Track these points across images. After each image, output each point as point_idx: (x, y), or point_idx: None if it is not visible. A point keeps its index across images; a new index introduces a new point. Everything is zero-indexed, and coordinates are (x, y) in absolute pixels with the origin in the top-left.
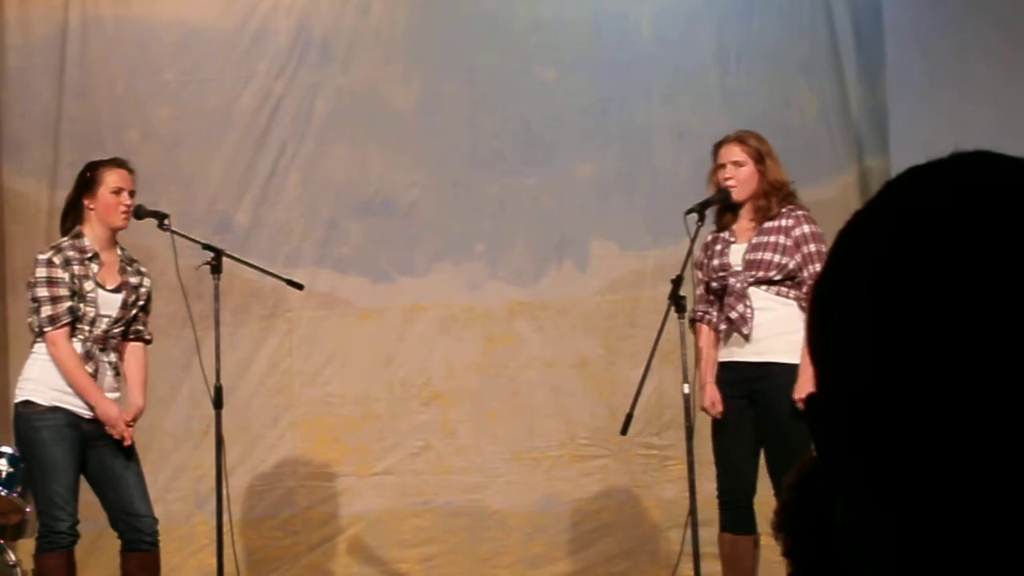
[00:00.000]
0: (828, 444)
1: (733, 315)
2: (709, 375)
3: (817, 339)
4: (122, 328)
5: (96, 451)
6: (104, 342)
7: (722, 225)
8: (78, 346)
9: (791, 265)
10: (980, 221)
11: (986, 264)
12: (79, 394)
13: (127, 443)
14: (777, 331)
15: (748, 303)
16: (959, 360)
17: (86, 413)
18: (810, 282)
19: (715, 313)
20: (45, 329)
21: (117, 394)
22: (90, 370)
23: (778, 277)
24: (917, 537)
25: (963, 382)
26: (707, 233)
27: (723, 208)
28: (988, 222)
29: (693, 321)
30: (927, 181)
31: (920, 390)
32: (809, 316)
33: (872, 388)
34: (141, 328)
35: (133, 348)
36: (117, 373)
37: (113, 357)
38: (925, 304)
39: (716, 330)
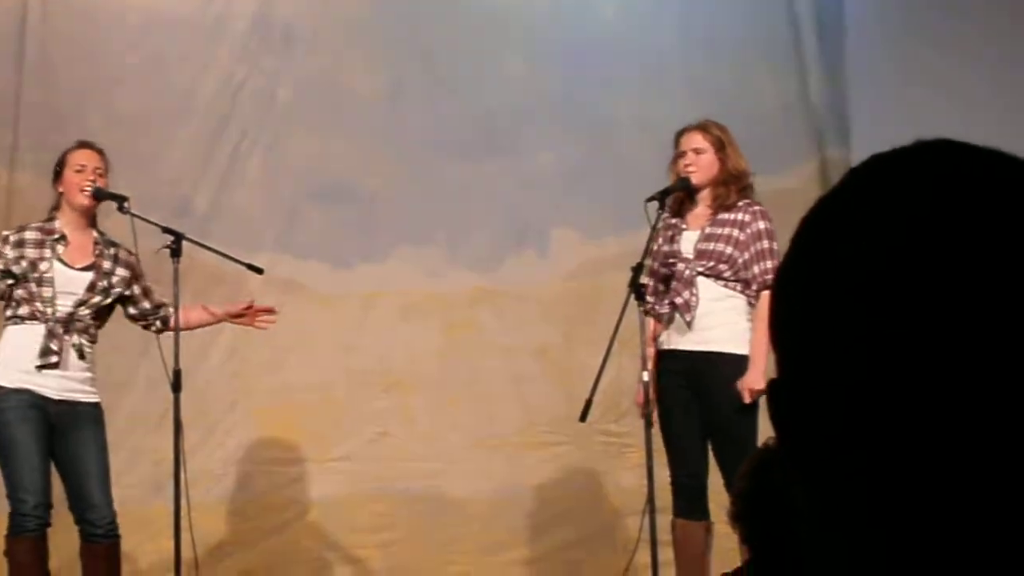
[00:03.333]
0: (790, 430)
1: (678, 300)
2: (643, 369)
3: (780, 325)
4: (91, 313)
5: (63, 435)
6: (68, 324)
7: (676, 212)
8: (39, 327)
9: (740, 260)
10: (943, 208)
11: (949, 250)
12: None
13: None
14: (722, 321)
15: (695, 291)
16: (924, 345)
17: (54, 395)
18: (760, 279)
19: (658, 303)
20: None
21: (87, 375)
22: (55, 347)
23: (727, 271)
24: (879, 522)
25: (928, 367)
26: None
27: (683, 196)
28: (951, 209)
29: (647, 312)
30: (891, 168)
31: (886, 376)
32: (772, 302)
33: (836, 374)
34: (166, 310)
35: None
36: (82, 356)
37: (79, 339)
38: (889, 290)
39: (659, 320)
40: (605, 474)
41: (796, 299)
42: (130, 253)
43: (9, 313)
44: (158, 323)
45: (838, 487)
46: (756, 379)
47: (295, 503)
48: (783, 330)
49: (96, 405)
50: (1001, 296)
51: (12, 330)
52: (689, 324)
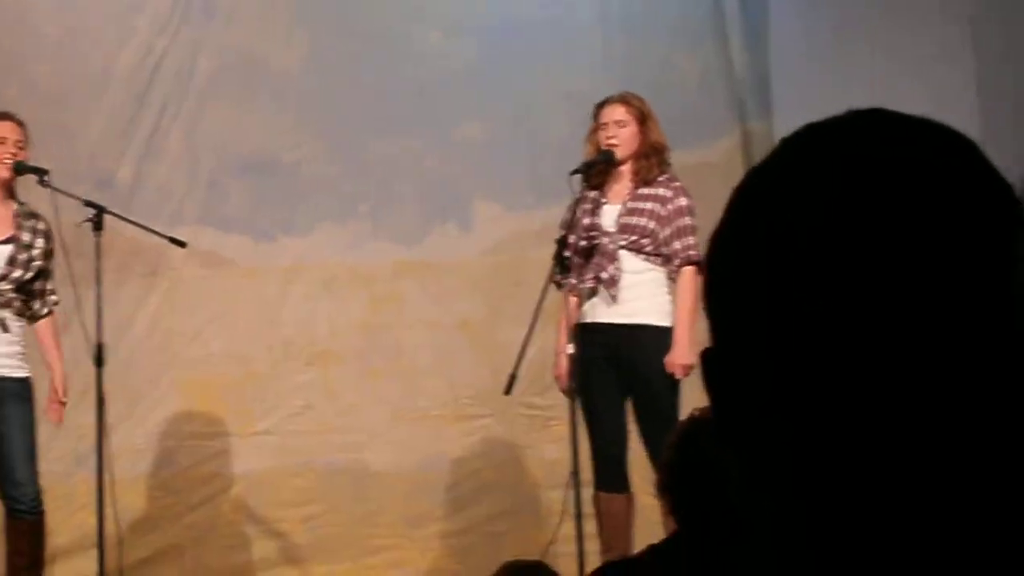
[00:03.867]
0: (722, 399)
1: (604, 275)
2: (564, 343)
3: (713, 295)
4: (13, 287)
5: None
6: None
7: (594, 185)
8: None
9: (662, 236)
10: (870, 181)
11: (880, 220)
12: None
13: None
14: (644, 293)
15: (618, 265)
16: (850, 316)
17: None
18: (682, 255)
19: (579, 276)
20: None
21: (12, 348)
22: None
23: (649, 246)
24: (803, 490)
25: (849, 339)
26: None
27: (603, 168)
28: (878, 182)
29: (559, 285)
30: (819, 140)
31: (809, 347)
32: (705, 272)
33: (764, 345)
34: (45, 300)
35: (42, 325)
36: (6, 329)
37: (2, 314)
38: (819, 260)
39: (578, 294)
40: (528, 447)
41: (726, 270)
42: (49, 227)
43: None
44: (28, 311)
45: (766, 455)
46: (683, 354)
47: (218, 477)
48: (715, 300)
49: (23, 380)
50: (923, 268)
51: None
52: (614, 297)
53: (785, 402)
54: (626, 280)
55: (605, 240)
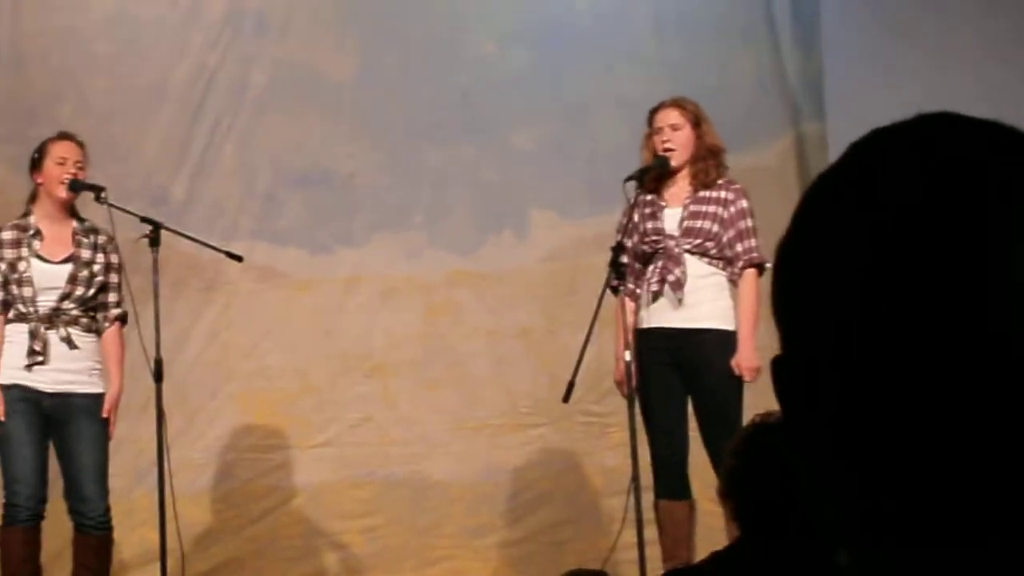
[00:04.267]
0: (793, 405)
1: (671, 278)
2: (623, 348)
3: (782, 301)
4: (77, 305)
5: (59, 429)
6: (52, 319)
7: (652, 189)
8: (23, 327)
9: (725, 239)
10: (942, 186)
11: (955, 226)
12: None
13: (111, 427)
14: (709, 298)
15: (684, 268)
16: (922, 322)
17: (48, 388)
18: (745, 257)
19: (637, 281)
20: None
21: (83, 364)
22: (37, 348)
23: (713, 249)
24: (875, 498)
25: (926, 344)
26: (638, 194)
27: (659, 174)
28: (950, 187)
29: (615, 290)
30: (892, 142)
31: (881, 354)
32: (774, 278)
33: (835, 350)
34: (108, 314)
35: (107, 335)
36: (72, 346)
37: (67, 331)
38: (891, 266)
39: (635, 299)
40: (587, 455)
41: (797, 275)
42: (111, 239)
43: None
44: (95, 325)
45: (836, 460)
46: (750, 356)
47: (278, 490)
48: (785, 306)
49: (95, 396)
50: (999, 275)
51: (7, 329)
52: (680, 301)
53: (856, 407)
54: (689, 284)
55: (671, 243)
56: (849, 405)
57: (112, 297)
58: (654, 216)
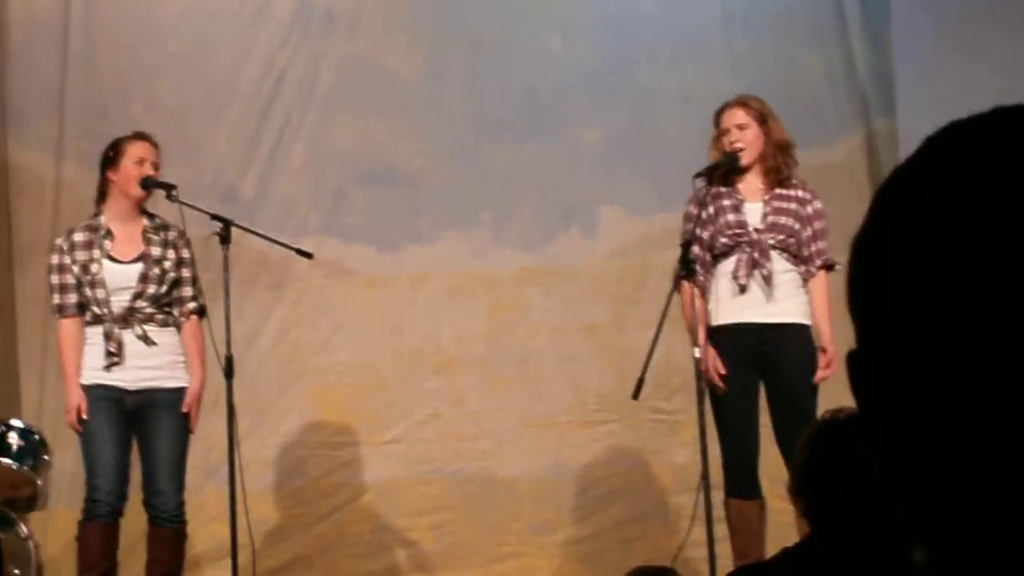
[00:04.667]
0: (869, 400)
1: (763, 271)
2: (704, 338)
3: (859, 296)
4: (150, 303)
5: (140, 423)
6: (128, 319)
7: (723, 184)
8: (99, 329)
9: (804, 236)
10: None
11: None
12: (61, 376)
13: (192, 422)
14: (790, 293)
15: (771, 263)
16: (1000, 318)
17: (130, 386)
18: (822, 257)
19: (708, 275)
20: (55, 316)
21: (165, 359)
22: (112, 349)
23: (794, 246)
24: (957, 495)
25: (1003, 340)
26: (701, 189)
27: (727, 171)
28: None
29: (684, 278)
30: (971, 136)
31: (961, 346)
32: (849, 273)
33: (915, 345)
34: (183, 308)
35: (186, 329)
36: (149, 343)
37: (142, 329)
38: (971, 260)
39: (704, 294)
40: (656, 452)
41: (873, 270)
42: (181, 234)
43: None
44: (172, 320)
45: (913, 455)
46: (835, 352)
47: (347, 486)
48: (861, 300)
49: (177, 391)
50: None
51: (88, 331)
52: (769, 295)
53: (931, 402)
54: (775, 280)
55: (757, 237)
56: (924, 400)
57: (187, 291)
58: (736, 209)
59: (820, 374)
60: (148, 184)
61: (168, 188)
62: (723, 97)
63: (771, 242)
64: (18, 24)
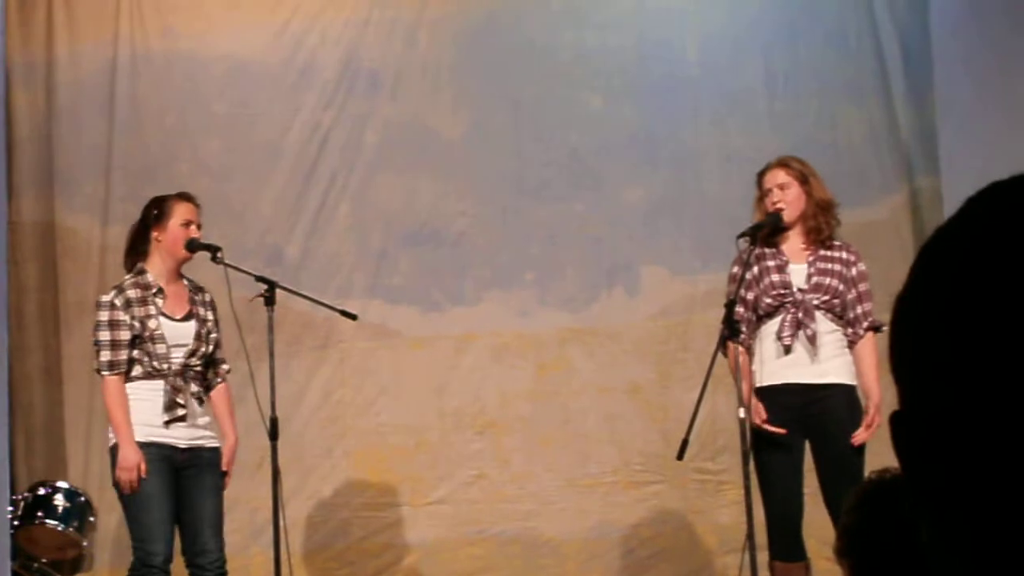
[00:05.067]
0: (914, 461)
1: (808, 332)
2: (748, 394)
3: (901, 357)
4: (201, 362)
5: (184, 478)
6: (183, 376)
7: (767, 245)
8: (158, 383)
9: (848, 298)
10: None
11: None
12: (116, 433)
13: (227, 479)
14: (835, 353)
15: (817, 323)
16: None
17: (183, 444)
18: (866, 320)
19: (752, 336)
20: (103, 373)
21: (207, 419)
22: (181, 401)
23: (839, 307)
24: (1006, 559)
25: None
26: (745, 250)
27: (771, 231)
28: None
29: (729, 339)
30: (1011, 195)
31: (1009, 412)
32: (892, 333)
33: (958, 404)
34: (218, 370)
35: (220, 389)
36: (201, 402)
37: (195, 387)
38: (1011, 320)
39: (750, 354)
40: (701, 513)
41: (917, 330)
42: (211, 299)
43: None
44: (206, 382)
45: (959, 519)
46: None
47: (392, 548)
48: (904, 361)
49: (216, 450)
50: None
51: (131, 388)
52: (814, 356)
53: (978, 464)
54: (820, 340)
55: (802, 297)
56: (974, 462)
57: (220, 354)
58: (780, 270)
59: (859, 435)
60: (194, 246)
61: (214, 250)
62: (766, 156)
63: (815, 302)
64: (65, 87)
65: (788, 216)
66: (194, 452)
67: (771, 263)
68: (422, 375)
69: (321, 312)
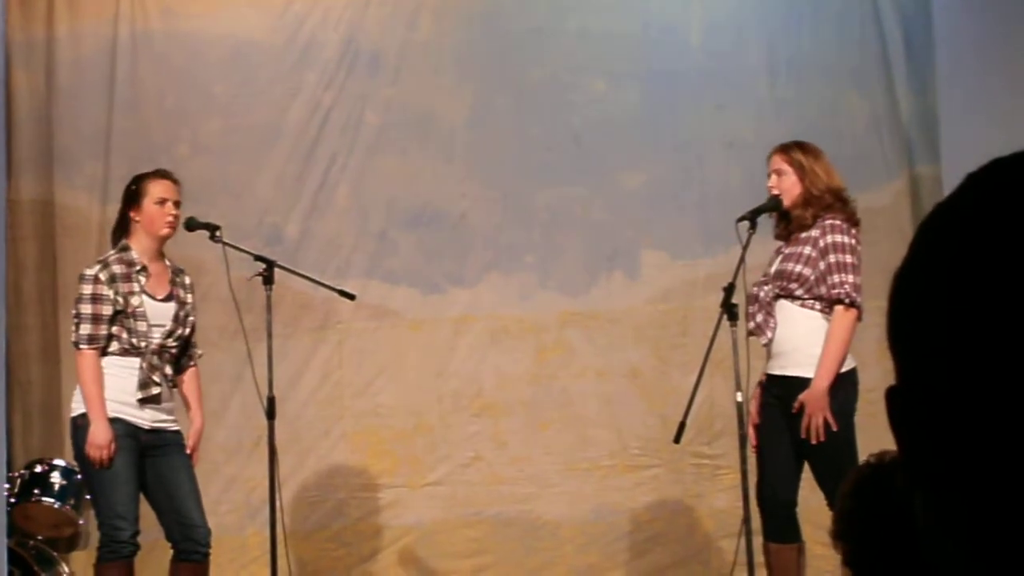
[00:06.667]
0: (909, 438)
1: (751, 324)
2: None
3: (898, 331)
4: (177, 344)
5: (152, 460)
6: (160, 356)
7: (778, 235)
8: (134, 360)
9: (812, 277)
10: None
11: None
12: (89, 408)
13: (194, 462)
14: (795, 346)
15: (772, 313)
16: None
17: (146, 425)
18: (829, 293)
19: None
20: (81, 346)
21: (171, 404)
22: (156, 379)
23: (800, 290)
24: (1002, 534)
25: None
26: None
27: (780, 218)
28: None
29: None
30: (1011, 172)
31: (1003, 383)
32: (890, 308)
33: (954, 380)
34: (191, 353)
35: (191, 373)
36: (173, 386)
37: (168, 369)
38: (1010, 295)
39: (749, 333)
40: (698, 497)
41: (913, 304)
42: (190, 282)
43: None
44: (176, 365)
45: (956, 496)
46: (818, 397)
47: (389, 529)
48: (901, 337)
49: (179, 432)
50: None
51: (105, 362)
52: (766, 347)
53: (976, 438)
54: (780, 331)
55: (767, 288)
56: (967, 438)
57: (194, 338)
58: (771, 262)
59: (805, 432)
60: (192, 225)
61: (212, 229)
62: (768, 142)
63: (776, 292)
64: (65, 67)
65: (785, 201)
66: (157, 434)
67: (775, 253)
68: (421, 357)
69: (320, 293)
